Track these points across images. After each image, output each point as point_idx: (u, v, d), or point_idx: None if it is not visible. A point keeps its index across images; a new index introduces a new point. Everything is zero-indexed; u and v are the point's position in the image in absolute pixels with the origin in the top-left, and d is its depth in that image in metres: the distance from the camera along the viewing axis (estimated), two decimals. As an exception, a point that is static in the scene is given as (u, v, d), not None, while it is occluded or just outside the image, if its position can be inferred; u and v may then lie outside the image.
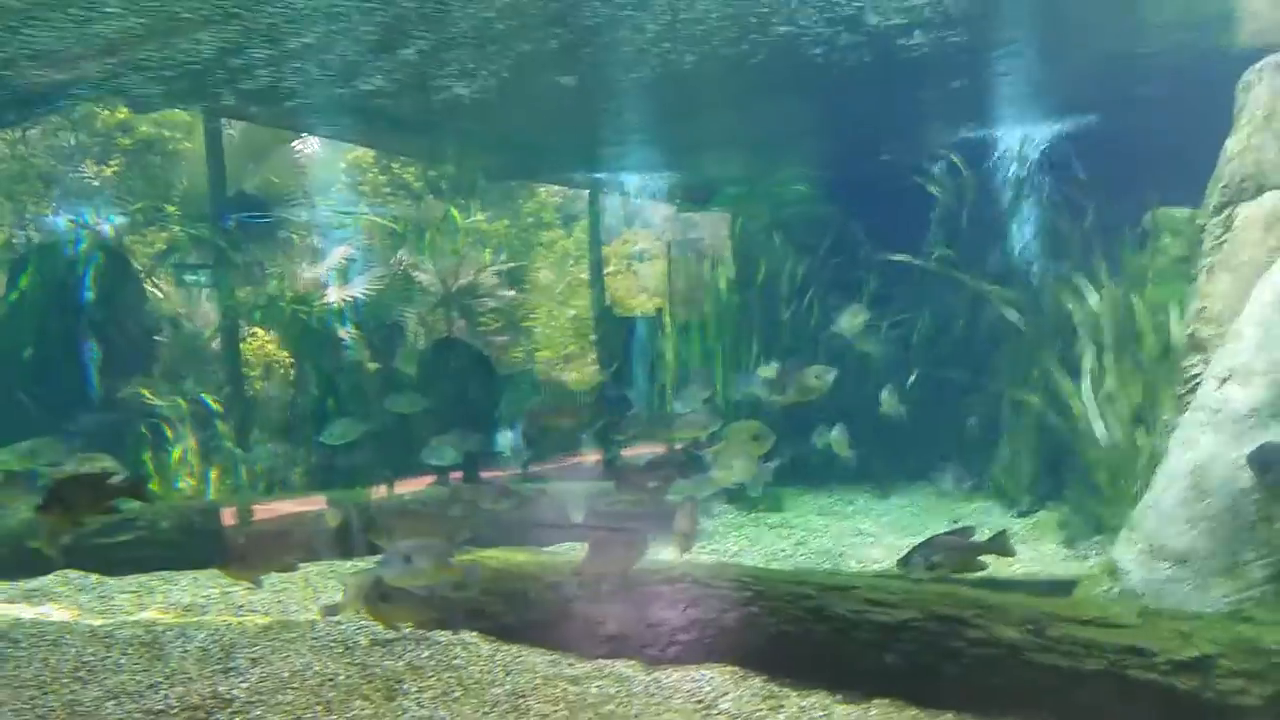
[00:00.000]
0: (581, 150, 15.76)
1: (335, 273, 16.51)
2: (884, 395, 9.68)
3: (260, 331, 16.08)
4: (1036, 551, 8.66)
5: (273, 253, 12.90)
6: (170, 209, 20.50)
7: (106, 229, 12.98)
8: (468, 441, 8.29)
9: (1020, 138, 12.23)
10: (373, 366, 14.72)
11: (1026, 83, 11.11)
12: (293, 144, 21.79)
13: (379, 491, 10.38)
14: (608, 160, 16.02)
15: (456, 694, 5.15)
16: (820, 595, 5.62)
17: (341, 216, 14.41)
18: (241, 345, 14.17)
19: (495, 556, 6.41)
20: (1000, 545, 5.52)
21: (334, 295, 15.73)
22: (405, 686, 5.23)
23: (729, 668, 5.58)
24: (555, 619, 6.04)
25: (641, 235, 28.98)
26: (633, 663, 5.72)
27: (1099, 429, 8.77)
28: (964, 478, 11.04)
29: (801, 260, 12.76)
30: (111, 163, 22.08)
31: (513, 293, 20.72)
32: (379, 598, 5.12)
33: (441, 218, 19.70)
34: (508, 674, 5.47)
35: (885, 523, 10.41)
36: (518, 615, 6.12)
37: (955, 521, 9.96)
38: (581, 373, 21.22)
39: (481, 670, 5.49)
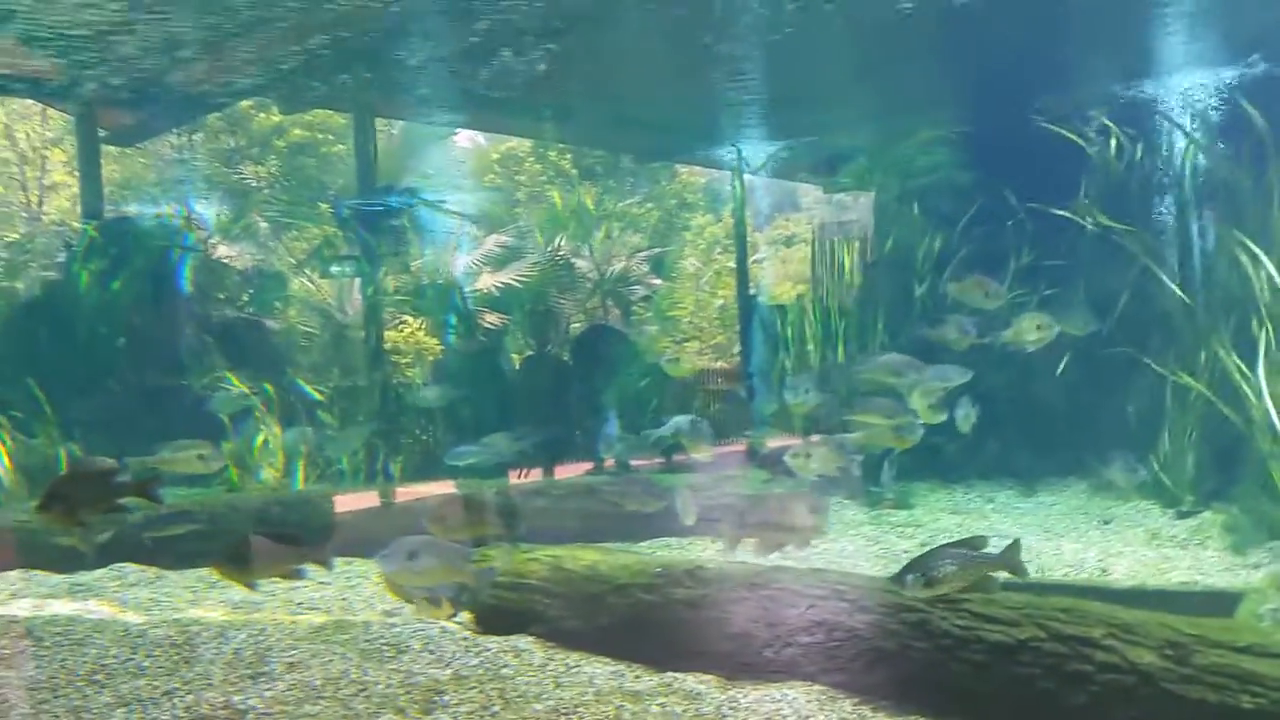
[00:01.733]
0: (718, 126, 15.27)
1: (478, 261, 16.52)
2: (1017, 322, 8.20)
3: (410, 320, 16.30)
4: (1197, 559, 7.53)
5: (387, 241, 12.92)
6: (323, 206, 21.14)
7: (209, 220, 13.30)
8: (514, 443, 7.85)
9: (1189, 86, 10.85)
10: (517, 356, 14.64)
11: (1195, 23, 9.84)
12: (449, 138, 22.17)
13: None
14: (737, 134, 15.45)
15: (495, 708, 4.66)
16: (926, 607, 4.87)
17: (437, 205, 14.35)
18: (388, 333, 14.33)
19: (558, 554, 5.90)
20: (1011, 560, 4.65)
21: (483, 282, 15.72)
22: (445, 698, 4.77)
23: (816, 687, 4.90)
24: (621, 625, 5.48)
25: (791, 220, 28.14)
26: (707, 678, 5.09)
27: (1275, 418, 7.57)
28: (1135, 469, 9.71)
29: (939, 233, 11.71)
30: (268, 163, 23.00)
31: (659, 281, 20.35)
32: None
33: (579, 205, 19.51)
34: (557, 686, 4.95)
35: (1028, 524, 9.34)
36: (580, 620, 5.59)
37: (1106, 523, 8.86)
38: (727, 362, 20.71)
39: (529, 682, 4.98)
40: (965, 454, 10.10)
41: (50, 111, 19.09)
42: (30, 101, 17.89)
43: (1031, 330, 7.11)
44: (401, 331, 16.37)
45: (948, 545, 4.74)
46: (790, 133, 14.81)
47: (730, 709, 4.74)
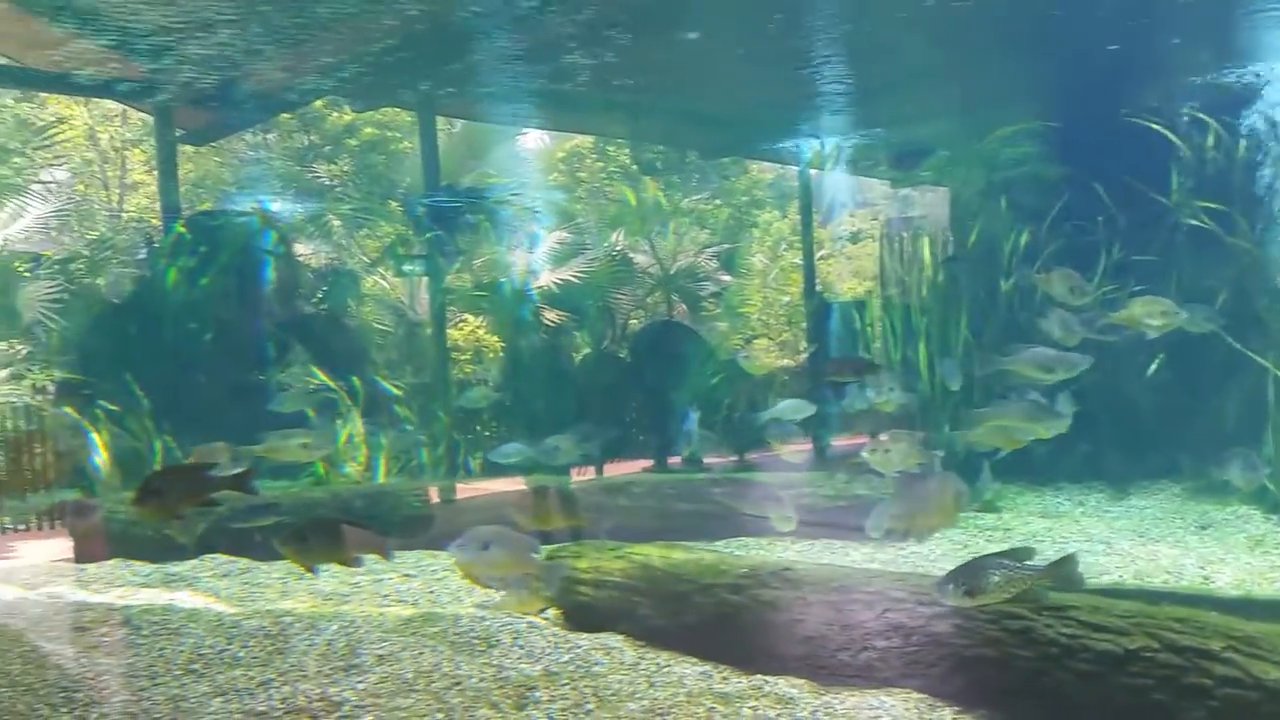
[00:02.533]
0: (791, 120, 15.07)
1: (536, 258, 16.53)
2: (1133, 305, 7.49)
3: (470, 318, 16.36)
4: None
5: (467, 239, 12.99)
6: (394, 204, 21.32)
7: (287, 217, 13.46)
8: (576, 444, 7.83)
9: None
10: (583, 352, 14.61)
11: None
12: (515, 137, 22.21)
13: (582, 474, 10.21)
14: (816, 129, 15.24)
15: (589, 705, 4.59)
16: (1030, 615, 4.69)
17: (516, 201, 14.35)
18: (450, 331, 14.41)
19: (645, 552, 5.81)
20: (1064, 572, 4.43)
21: (544, 279, 15.73)
22: (537, 694, 4.72)
23: (914, 694, 4.75)
24: (711, 625, 5.38)
25: (857, 215, 27.70)
26: (799, 682, 4.95)
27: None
28: (1255, 468, 9.14)
29: (1025, 227, 11.39)
30: (340, 161, 23.25)
31: (728, 277, 20.17)
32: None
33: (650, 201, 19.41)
34: (650, 686, 4.86)
35: (1120, 528, 9.03)
36: (667, 619, 5.49)
37: (1204, 528, 8.52)
38: (794, 359, 20.44)
39: (621, 680, 4.90)
40: (1054, 456, 9.78)
41: (130, 112, 19.50)
42: (112, 103, 18.29)
43: (1155, 315, 6.74)
44: (461, 329, 16.44)
45: (992, 555, 4.59)
46: (867, 126, 14.56)
47: (826, 714, 4.61)
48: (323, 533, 4.70)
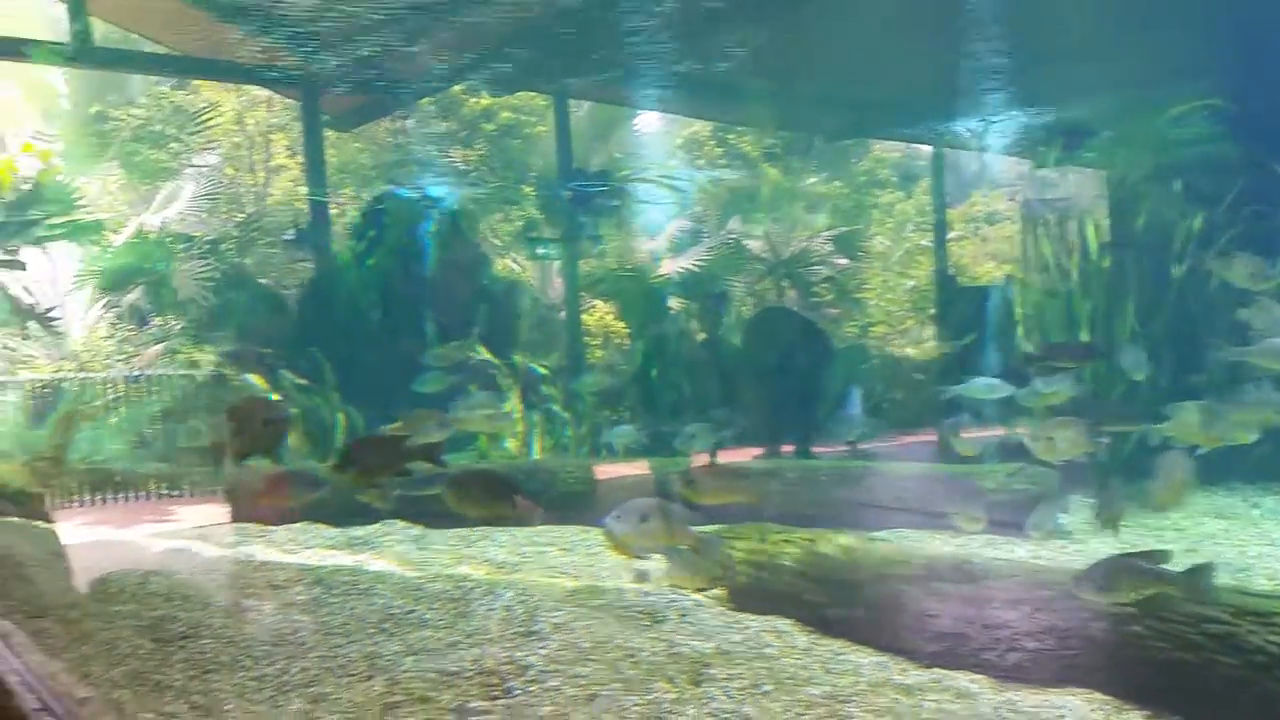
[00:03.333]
0: (929, 100, 14.66)
1: (669, 244, 16.53)
2: None
3: (599, 303, 16.47)
4: None
5: (606, 224, 13.06)
6: (527, 189, 21.58)
7: (449, 202, 13.79)
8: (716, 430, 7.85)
9: None
10: (701, 336, 14.55)
11: None
12: (632, 121, 22.24)
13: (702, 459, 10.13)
14: (958, 110, 14.77)
15: (767, 687, 4.54)
16: (1232, 620, 4.45)
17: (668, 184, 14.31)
18: (583, 315, 14.54)
19: (817, 537, 5.72)
20: (1193, 581, 4.32)
21: (668, 266, 15.74)
22: (712, 672, 4.70)
23: (1100, 696, 4.55)
24: (885, 615, 5.26)
25: (992, 196, 26.79)
26: (978, 678, 4.81)
27: None
28: None
29: (1198, 211, 10.76)
30: (476, 146, 23.62)
31: (846, 261, 19.73)
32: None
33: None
34: (827, 672, 4.78)
35: (1305, 531, 8.50)
36: (841, 606, 5.39)
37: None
38: (921, 347, 19.88)
39: (796, 664, 4.84)
40: (1228, 455, 9.23)
41: (275, 98, 20.10)
42: (259, 89, 18.86)
43: None
44: (591, 314, 16.54)
45: (1128, 555, 4.58)
46: (1023, 104, 14.04)
47: (1009, 710, 4.46)
48: (480, 483, 5.03)
